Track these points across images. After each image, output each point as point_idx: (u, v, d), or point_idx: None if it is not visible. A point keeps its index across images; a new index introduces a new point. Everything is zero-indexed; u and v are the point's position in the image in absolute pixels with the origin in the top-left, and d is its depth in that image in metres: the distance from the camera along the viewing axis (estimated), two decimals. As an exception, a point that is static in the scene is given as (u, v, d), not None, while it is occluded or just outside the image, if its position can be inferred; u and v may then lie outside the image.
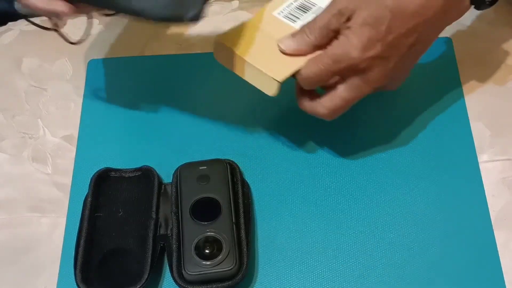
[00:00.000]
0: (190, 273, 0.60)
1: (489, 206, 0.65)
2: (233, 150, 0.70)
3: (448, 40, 0.76)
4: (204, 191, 0.65)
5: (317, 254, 0.63)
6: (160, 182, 0.67)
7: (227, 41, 0.63)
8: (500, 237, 0.63)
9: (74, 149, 0.72)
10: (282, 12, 0.65)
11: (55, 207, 0.68)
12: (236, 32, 0.64)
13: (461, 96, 0.72)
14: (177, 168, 0.67)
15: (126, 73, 0.78)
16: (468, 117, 0.71)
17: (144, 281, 0.60)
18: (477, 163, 0.68)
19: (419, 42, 0.60)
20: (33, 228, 0.67)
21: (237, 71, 0.63)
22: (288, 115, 0.72)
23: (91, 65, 0.78)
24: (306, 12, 0.65)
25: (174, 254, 0.62)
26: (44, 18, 0.85)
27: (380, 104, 0.72)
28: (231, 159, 0.68)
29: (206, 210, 0.64)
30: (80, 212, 0.65)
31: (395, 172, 0.68)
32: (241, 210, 0.64)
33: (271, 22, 0.65)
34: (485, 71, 0.74)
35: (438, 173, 0.67)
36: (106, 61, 0.79)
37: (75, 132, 0.73)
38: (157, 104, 0.75)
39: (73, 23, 0.82)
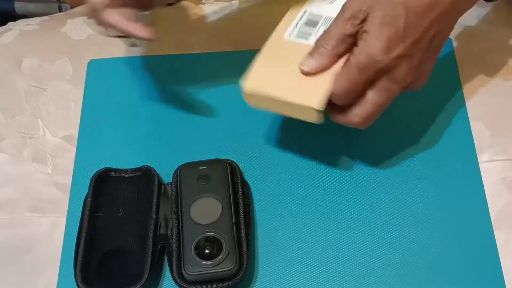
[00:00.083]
0: (190, 273, 0.60)
1: (489, 206, 0.65)
2: (233, 150, 0.70)
3: (448, 40, 0.76)
4: (204, 191, 0.65)
5: (317, 254, 0.63)
6: (160, 182, 0.67)
7: (253, 88, 0.61)
8: (500, 237, 0.63)
9: (74, 149, 0.72)
10: (292, 33, 0.64)
11: (55, 207, 0.68)
12: (257, 73, 0.62)
13: (461, 96, 0.72)
14: (177, 168, 0.67)
15: (126, 73, 0.78)
16: (468, 117, 0.71)
17: (144, 281, 0.60)
18: (477, 163, 0.68)
19: (439, 35, 0.59)
20: (33, 228, 0.67)
21: (276, 110, 0.63)
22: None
23: (91, 65, 0.78)
24: (316, 26, 0.64)
25: (174, 254, 0.62)
26: (44, 18, 0.85)
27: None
28: (231, 159, 0.68)
29: (206, 210, 0.64)
30: (80, 212, 0.65)
31: (395, 172, 0.68)
32: (241, 210, 0.64)
33: (286, 47, 0.63)
34: (485, 71, 0.74)
35: (438, 173, 0.67)
36: (106, 61, 0.79)
37: (75, 132, 0.73)
38: (157, 104, 0.75)
39: (73, 23, 0.82)
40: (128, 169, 0.68)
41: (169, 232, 0.64)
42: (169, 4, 0.74)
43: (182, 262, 0.61)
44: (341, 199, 0.67)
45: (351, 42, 0.59)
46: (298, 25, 0.64)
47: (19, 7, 0.89)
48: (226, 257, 0.60)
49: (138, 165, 0.68)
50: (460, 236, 0.64)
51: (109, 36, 0.65)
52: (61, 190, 0.69)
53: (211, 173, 0.66)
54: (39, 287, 0.64)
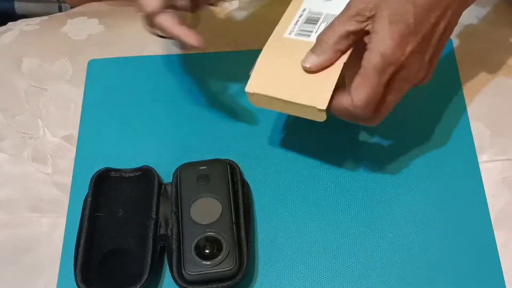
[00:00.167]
0: (190, 273, 0.60)
1: (489, 206, 0.65)
2: (233, 150, 0.70)
3: (448, 40, 0.76)
4: (204, 191, 0.65)
5: (317, 254, 0.63)
6: (160, 182, 0.67)
7: (257, 89, 0.61)
8: (500, 237, 0.63)
9: (74, 149, 0.72)
10: (293, 31, 0.63)
11: (55, 207, 0.68)
12: (260, 73, 0.61)
13: (461, 96, 0.72)
14: (177, 168, 0.67)
15: (126, 73, 0.78)
16: (468, 117, 0.71)
17: (144, 281, 0.60)
18: (477, 163, 0.68)
19: (446, 29, 0.59)
20: (33, 228, 0.67)
21: (279, 109, 0.62)
22: (288, 115, 0.72)
23: (91, 65, 0.78)
24: (316, 23, 0.63)
25: (174, 254, 0.62)
26: (44, 18, 0.85)
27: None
28: (231, 159, 0.68)
29: (206, 210, 0.64)
30: (80, 212, 0.65)
31: (395, 172, 0.68)
32: (241, 210, 0.64)
33: (287, 45, 0.62)
34: (485, 71, 0.74)
35: (438, 173, 0.67)
36: (106, 61, 0.79)
37: (75, 132, 0.73)
38: (157, 104, 0.75)
39: (73, 23, 0.82)
40: (128, 169, 0.68)
41: (169, 232, 0.64)
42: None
43: (182, 262, 0.61)
44: (341, 199, 0.67)
45: (354, 39, 0.58)
46: (298, 23, 0.64)
47: (19, 7, 0.89)
48: (226, 257, 0.60)
49: (138, 165, 0.68)
50: (460, 236, 0.64)
51: (158, 36, 0.66)
52: (61, 190, 0.69)
53: (211, 173, 0.66)
54: (39, 287, 0.64)
